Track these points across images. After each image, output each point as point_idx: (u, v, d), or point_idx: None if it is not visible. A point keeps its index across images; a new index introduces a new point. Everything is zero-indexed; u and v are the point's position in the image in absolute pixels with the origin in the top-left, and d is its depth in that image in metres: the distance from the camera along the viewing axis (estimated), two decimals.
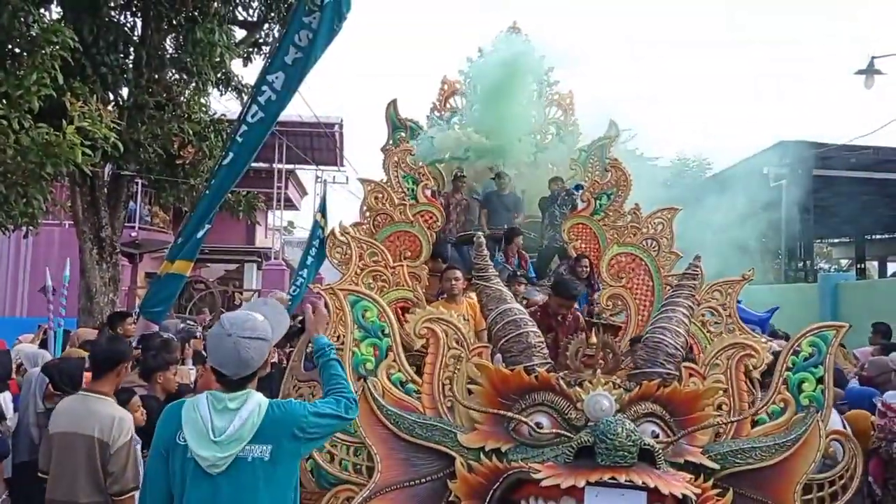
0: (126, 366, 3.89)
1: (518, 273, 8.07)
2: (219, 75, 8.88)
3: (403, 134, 10.44)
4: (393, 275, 5.44)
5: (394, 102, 10.84)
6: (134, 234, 16.17)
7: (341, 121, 21.99)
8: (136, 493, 3.35)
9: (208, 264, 21.22)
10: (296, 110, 20.42)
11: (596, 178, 8.39)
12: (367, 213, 7.21)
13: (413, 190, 7.81)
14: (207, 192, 8.34)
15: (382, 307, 3.70)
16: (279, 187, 21.62)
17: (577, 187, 9.59)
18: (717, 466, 3.33)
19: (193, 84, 8.25)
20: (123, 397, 4.16)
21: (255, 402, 2.52)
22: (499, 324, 3.66)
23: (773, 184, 18.67)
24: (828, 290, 13.56)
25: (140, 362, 5.16)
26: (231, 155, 8.08)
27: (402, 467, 3.41)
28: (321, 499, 3.48)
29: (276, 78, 7.56)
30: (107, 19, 7.53)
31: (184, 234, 8.49)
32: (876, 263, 31.81)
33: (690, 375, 3.71)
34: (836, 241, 33.76)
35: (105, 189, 8.80)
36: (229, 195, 9.74)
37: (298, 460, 2.65)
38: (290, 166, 25.49)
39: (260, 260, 21.68)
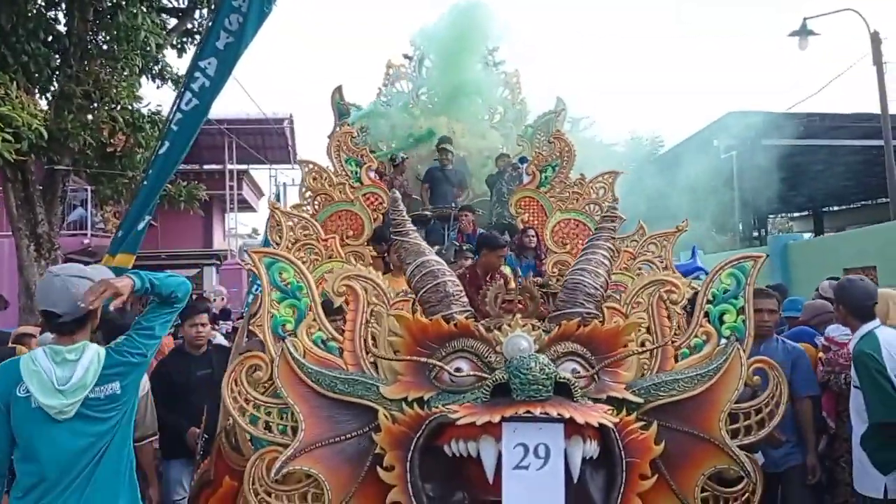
0: None
1: (464, 247, 8.06)
2: (149, 63, 8.73)
3: (348, 119, 10.37)
4: (325, 248, 5.38)
5: (339, 88, 10.78)
6: (87, 241, 15.86)
7: (291, 116, 21.83)
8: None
9: (167, 270, 20.90)
10: (244, 109, 20.20)
11: (541, 152, 8.41)
12: (307, 195, 7.13)
13: (357, 173, 7.75)
14: (145, 183, 8.20)
15: (299, 267, 3.63)
16: (232, 187, 21.39)
17: (522, 160, 9.60)
18: (640, 400, 3.33)
19: (121, 71, 8.07)
20: None
21: (93, 351, 2.87)
22: (417, 276, 3.62)
23: (723, 155, 18.95)
24: (777, 250, 13.77)
25: None
26: (167, 144, 7.94)
27: (327, 424, 3.36)
28: None
29: (209, 64, 7.45)
30: (27, 7, 7.34)
31: (123, 228, 8.33)
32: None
33: (613, 316, 3.71)
34: (797, 214, 34.38)
35: (39, 185, 8.60)
36: (170, 186, 9.59)
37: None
38: (243, 166, 25.24)
39: (219, 263, 21.45)
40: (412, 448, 3.17)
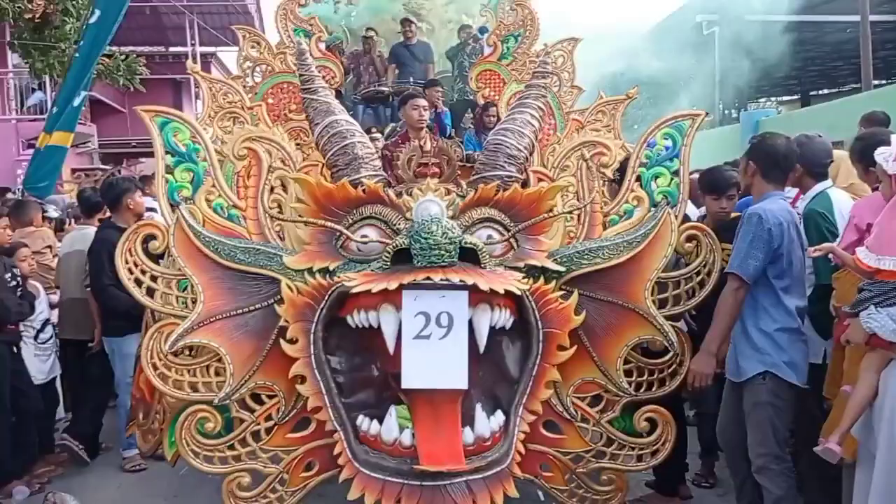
0: None
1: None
2: None
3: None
4: (252, 115, 5.00)
5: None
6: None
7: None
8: None
9: (142, 159, 20.29)
10: None
11: (503, 21, 7.88)
12: (246, 65, 6.64)
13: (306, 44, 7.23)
14: (77, 55, 7.71)
15: (195, 128, 3.31)
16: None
17: (482, 30, 9.06)
18: (561, 269, 3.12)
19: None
20: None
21: None
22: (324, 137, 3.31)
23: (706, 32, 18.23)
24: (749, 126, 13.40)
25: None
26: (98, 12, 7.42)
27: (228, 296, 3.14)
28: None
29: None
30: None
31: (58, 104, 7.90)
32: None
33: (540, 180, 3.45)
34: (785, 98, 33.64)
35: None
36: (107, 60, 9.03)
37: None
38: (210, 48, 24.15)
39: None
40: (316, 320, 2.98)
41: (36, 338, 4.91)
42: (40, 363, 4.92)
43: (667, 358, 3.31)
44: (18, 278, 4.64)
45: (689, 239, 3.35)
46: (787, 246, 3.14)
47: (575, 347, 3.08)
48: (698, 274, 3.35)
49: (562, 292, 3.09)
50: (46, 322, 5.01)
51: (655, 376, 3.34)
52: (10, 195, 7.16)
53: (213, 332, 3.10)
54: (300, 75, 3.51)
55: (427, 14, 10.47)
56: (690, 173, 3.50)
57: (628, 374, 3.28)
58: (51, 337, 5.05)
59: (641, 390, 3.31)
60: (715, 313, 3.20)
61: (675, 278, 3.34)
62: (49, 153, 7.88)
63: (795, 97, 32.02)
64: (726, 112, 20.81)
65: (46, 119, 7.93)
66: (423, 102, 4.75)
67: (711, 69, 18.45)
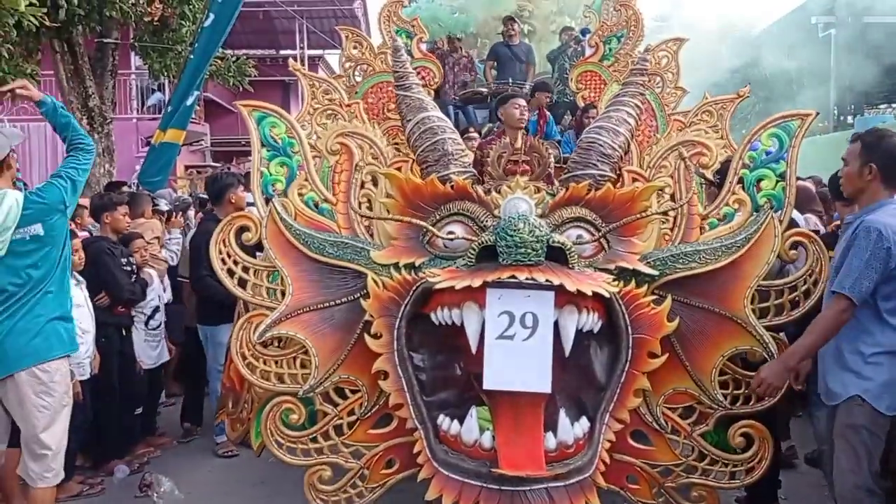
0: None
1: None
2: None
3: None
4: (350, 113, 5.07)
5: None
6: None
7: None
8: None
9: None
10: None
11: (606, 22, 7.71)
12: (347, 65, 6.76)
13: (408, 45, 7.31)
14: (192, 57, 8.05)
15: (291, 123, 3.37)
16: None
17: (584, 32, 8.90)
18: (654, 273, 2.98)
19: None
20: None
21: (11, 198, 3.15)
22: (416, 133, 3.31)
23: (821, 34, 17.29)
24: None
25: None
26: (212, 16, 7.73)
27: (315, 289, 3.17)
28: None
29: None
30: None
31: (173, 103, 8.28)
32: None
33: (634, 180, 3.32)
34: None
35: (87, 58, 8.55)
36: (219, 62, 9.42)
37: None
38: (318, 51, 24.86)
39: None
40: (400, 315, 2.96)
41: (146, 324, 5.12)
42: (150, 349, 5.14)
43: None
44: (134, 265, 4.89)
45: (794, 246, 3.14)
46: None
47: (667, 355, 2.95)
48: (804, 283, 3.14)
49: (654, 297, 2.96)
50: (157, 309, 5.23)
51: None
52: (125, 188, 7.55)
53: (299, 324, 3.14)
54: (394, 72, 3.52)
55: (530, 16, 10.41)
56: (799, 179, 3.28)
57: (724, 385, 3.11)
58: (160, 324, 5.26)
59: (738, 404, 3.13)
60: (810, 328, 2.87)
61: (777, 287, 3.15)
62: (163, 150, 8.25)
63: None
64: (841, 118, 19.67)
65: (161, 117, 8.32)
66: (523, 102, 4.66)
67: (826, 72, 17.48)
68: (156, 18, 8.50)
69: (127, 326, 4.84)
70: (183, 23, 8.82)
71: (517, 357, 2.70)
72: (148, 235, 5.94)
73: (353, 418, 3.16)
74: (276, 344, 3.29)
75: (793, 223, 3.31)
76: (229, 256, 3.28)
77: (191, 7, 8.70)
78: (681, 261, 3.02)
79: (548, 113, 7.65)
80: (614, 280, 2.84)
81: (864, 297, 2.76)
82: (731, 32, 23.82)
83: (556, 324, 2.74)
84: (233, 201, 5.17)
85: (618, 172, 3.27)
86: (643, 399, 3.01)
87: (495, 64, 9.00)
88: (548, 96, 7.56)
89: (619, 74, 7.01)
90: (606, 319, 2.87)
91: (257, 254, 3.47)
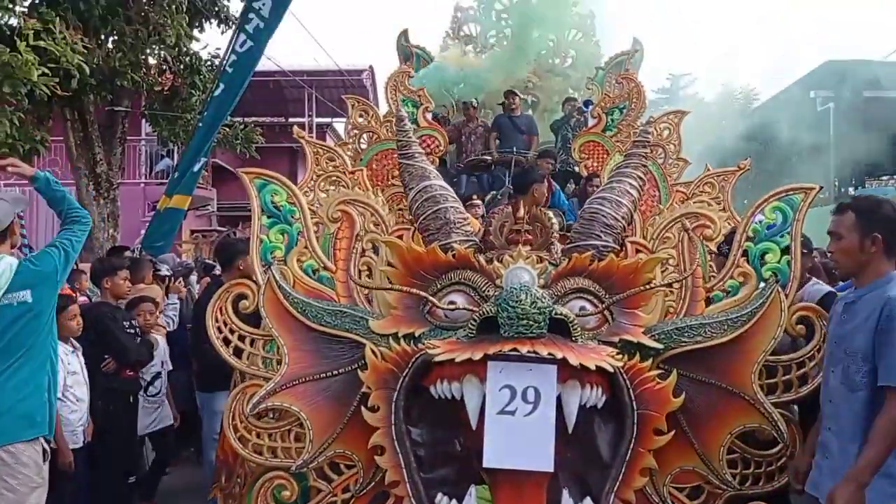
0: None
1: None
2: (206, 4, 8.62)
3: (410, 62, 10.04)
4: (353, 180, 5.09)
5: (404, 32, 10.46)
6: None
7: (370, 67, 21.58)
8: None
9: None
10: (324, 62, 20.15)
11: (608, 94, 7.85)
12: (353, 133, 6.84)
13: (413, 114, 7.43)
14: (201, 125, 8.18)
15: (292, 190, 3.37)
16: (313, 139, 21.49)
17: (587, 103, 9.06)
18: (659, 346, 2.91)
19: (169, 9, 7.98)
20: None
21: (5, 263, 3.14)
22: (418, 201, 3.29)
23: (820, 108, 17.58)
24: None
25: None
26: (222, 86, 7.87)
27: (312, 359, 3.10)
28: None
29: (263, 5, 7.37)
30: None
31: (180, 169, 8.37)
32: None
33: (638, 252, 3.28)
34: None
35: (97, 125, 8.70)
36: (227, 129, 9.56)
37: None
38: (327, 119, 25.30)
39: None
40: (398, 388, 2.88)
41: (146, 390, 5.05)
42: (145, 415, 5.05)
43: (776, 450, 3.02)
44: (137, 328, 4.83)
45: (801, 321, 3.08)
46: None
47: (673, 432, 2.84)
48: (811, 359, 3.06)
49: (659, 371, 2.87)
50: (157, 375, 5.16)
51: (763, 469, 3.05)
52: (127, 253, 7.55)
53: (295, 395, 3.05)
54: (398, 140, 3.53)
55: (533, 87, 10.59)
56: (807, 252, 3.23)
57: (732, 465, 3.00)
58: (160, 391, 5.18)
59: (747, 484, 3.02)
60: (873, 437, 2.52)
61: (785, 362, 3.07)
62: (168, 215, 8.30)
63: None
64: (842, 190, 19.83)
65: (168, 183, 8.39)
66: (542, 187, 4.68)
67: (826, 144, 17.69)
68: (166, 88, 8.66)
69: (135, 392, 4.78)
70: (193, 92, 8.99)
71: (518, 433, 2.60)
72: None
73: (347, 495, 3.04)
74: (269, 416, 3.20)
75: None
76: (225, 325, 3.23)
77: (201, 77, 8.89)
78: (686, 334, 2.95)
79: (554, 182, 7.70)
80: (618, 354, 2.76)
81: None
82: (731, 106, 24.29)
83: (558, 399, 2.65)
84: (241, 268, 5.14)
85: (621, 243, 3.23)
86: (649, 478, 2.89)
87: (498, 134, 9.13)
88: (550, 163, 7.61)
89: (622, 145, 7.09)
90: (610, 395, 2.79)
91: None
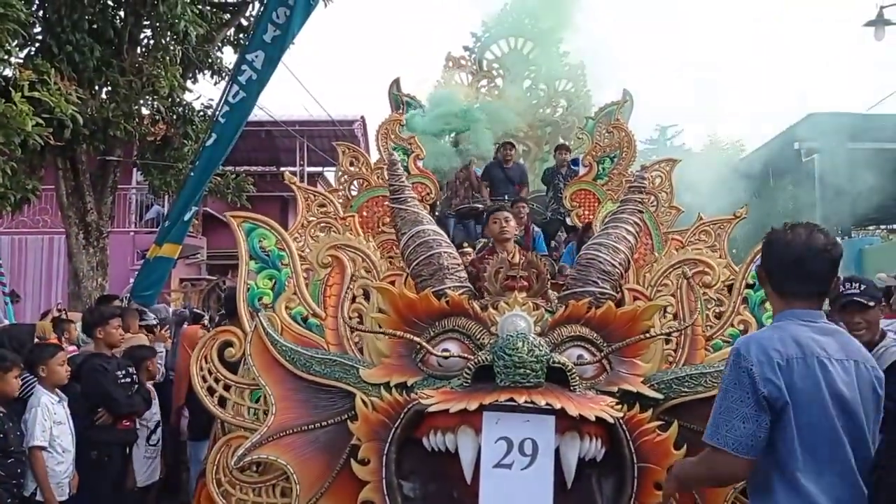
0: None
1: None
2: (199, 56, 8.69)
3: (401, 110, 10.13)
4: (344, 227, 5.03)
5: (396, 81, 10.56)
6: None
7: (362, 118, 21.75)
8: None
9: None
10: (315, 112, 20.33)
11: (599, 143, 7.91)
12: (343, 179, 6.82)
13: (404, 161, 7.43)
14: (192, 174, 8.16)
15: (281, 234, 3.30)
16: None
17: (576, 162, 9.17)
18: (659, 396, 2.82)
19: (162, 60, 8.03)
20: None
21: None
22: (410, 247, 3.22)
23: (804, 159, 17.76)
24: (852, 256, 12.73)
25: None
26: (214, 136, 7.88)
27: (301, 409, 2.99)
28: None
29: (256, 57, 7.39)
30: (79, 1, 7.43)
31: (171, 218, 8.31)
32: None
33: (635, 299, 3.21)
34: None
35: (89, 174, 8.67)
36: (218, 179, 9.54)
37: None
38: (318, 168, 25.42)
39: None
40: (390, 440, 2.77)
41: (148, 439, 4.93)
42: (145, 465, 4.91)
43: None
44: (133, 377, 4.72)
45: None
46: None
47: None
48: None
49: (659, 422, 2.78)
50: (158, 424, 5.05)
51: None
52: (116, 302, 7.43)
53: (282, 447, 2.93)
54: (390, 185, 3.48)
55: (525, 137, 10.70)
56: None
57: None
58: (159, 440, 5.06)
59: None
60: (680, 466, 2.40)
61: None
62: (157, 264, 8.22)
63: None
64: None
65: (158, 232, 8.35)
66: (504, 215, 4.62)
67: (812, 195, 17.84)
68: (159, 138, 8.67)
69: (131, 443, 4.65)
70: (185, 142, 8.99)
71: (515, 488, 2.50)
72: None
73: None
74: (254, 469, 3.07)
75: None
76: (210, 373, 3.12)
77: (194, 127, 8.90)
78: (686, 384, 2.87)
79: (535, 227, 7.70)
80: (617, 404, 2.67)
81: None
82: (718, 157, 24.56)
83: (556, 452, 2.55)
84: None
85: (618, 290, 3.17)
86: None
87: (489, 184, 9.18)
88: (522, 206, 7.63)
89: (613, 193, 7.08)
90: (610, 447, 2.69)
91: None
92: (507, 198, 8.90)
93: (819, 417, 2.00)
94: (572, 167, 9.13)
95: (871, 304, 3.10)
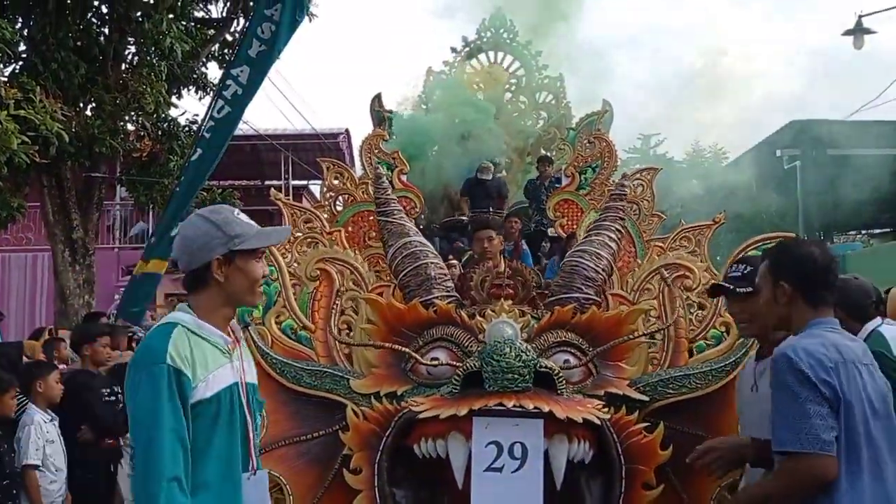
0: None
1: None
2: (183, 72, 8.74)
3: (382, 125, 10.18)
4: (331, 241, 5.07)
5: (378, 96, 10.61)
6: None
7: (346, 131, 21.80)
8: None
9: None
10: (300, 125, 20.33)
11: (581, 153, 8.00)
12: (328, 195, 6.85)
13: (388, 176, 7.47)
14: (178, 189, 8.18)
15: (269, 250, 3.33)
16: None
17: (558, 180, 9.27)
18: (644, 398, 2.89)
19: (148, 77, 8.07)
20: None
21: None
22: (397, 258, 3.27)
23: (786, 166, 17.98)
24: None
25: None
26: (199, 151, 7.90)
27: (291, 421, 3.04)
28: None
29: (241, 72, 7.42)
30: (66, 19, 7.45)
31: (157, 233, 8.31)
32: None
33: (620, 304, 3.27)
34: (877, 231, 32.31)
35: (74, 191, 8.68)
36: (204, 193, 9.55)
37: None
38: (303, 182, 25.43)
39: None
40: (381, 449, 2.81)
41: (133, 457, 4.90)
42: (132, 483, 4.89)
43: None
44: (119, 395, 4.71)
45: None
46: None
47: (662, 486, 2.80)
48: None
49: (646, 424, 2.84)
50: None
51: None
52: (103, 319, 7.42)
53: (274, 459, 2.96)
54: (376, 198, 3.53)
55: (507, 149, 10.78)
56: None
57: None
58: None
59: None
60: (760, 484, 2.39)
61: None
62: (144, 280, 8.21)
63: (888, 230, 30.80)
64: None
65: (145, 249, 8.35)
66: (488, 234, 4.67)
67: (794, 201, 18.05)
68: (144, 154, 8.70)
69: (114, 461, 4.63)
70: (171, 157, 9.02)
71: (506, 491, 2.54)
72: None
73: None
74: None
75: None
76: None
77: (179, 143, 8.92)
78: (671, 386, 2.94)
79: (523, 243, 7.76)
80: (604, 406, 2.73)
81: None
82: (700, 163, 24.82)
83: (545, 455, 2.60)
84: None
85: (602, 296, 3.23)
86: None
87: (468, 199, 9.27)
88: (515, 221, 7.68)
89: (596, 203, 7.14)
90: (597, 449, 2.74)
91: None
92: (490, 210, 8.99)
93: (859, 421, 2.09)
94: (555, 185, 9.24)
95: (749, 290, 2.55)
